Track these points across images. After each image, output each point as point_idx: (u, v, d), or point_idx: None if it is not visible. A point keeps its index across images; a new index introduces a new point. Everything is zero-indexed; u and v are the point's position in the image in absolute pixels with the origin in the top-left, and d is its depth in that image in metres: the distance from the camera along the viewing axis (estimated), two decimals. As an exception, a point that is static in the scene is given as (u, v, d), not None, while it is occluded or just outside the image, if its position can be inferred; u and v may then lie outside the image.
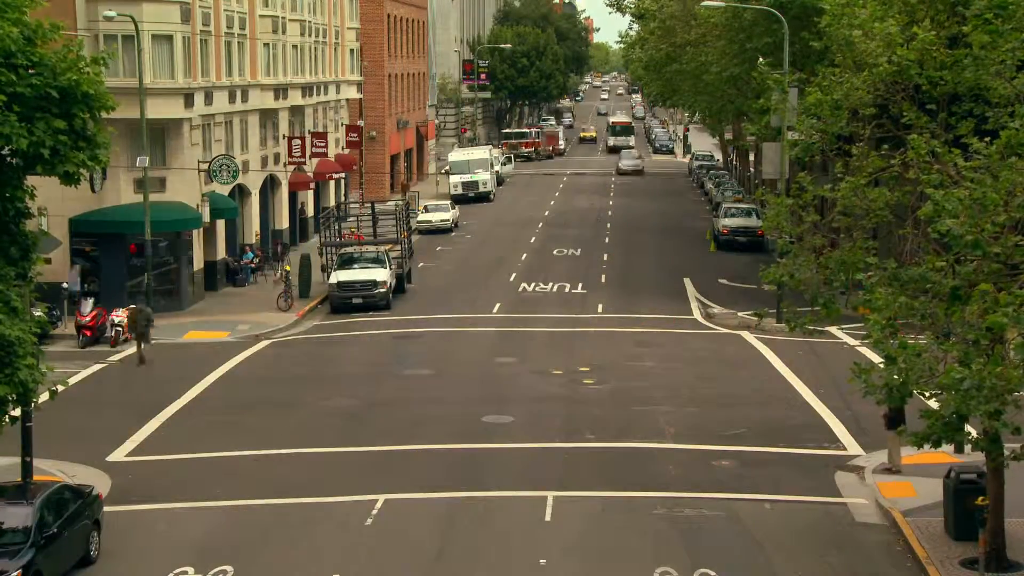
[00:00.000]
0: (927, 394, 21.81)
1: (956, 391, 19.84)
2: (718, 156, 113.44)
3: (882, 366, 21.82)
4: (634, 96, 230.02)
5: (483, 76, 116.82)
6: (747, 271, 55.68)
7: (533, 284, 56.49)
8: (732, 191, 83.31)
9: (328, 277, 52.35)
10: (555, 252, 65.88)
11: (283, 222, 64.63)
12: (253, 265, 56.63)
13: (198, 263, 51.93)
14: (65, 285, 45.61)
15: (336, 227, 57.72)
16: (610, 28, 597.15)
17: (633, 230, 74.33)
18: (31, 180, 23.64)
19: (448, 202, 79.91)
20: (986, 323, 19.86)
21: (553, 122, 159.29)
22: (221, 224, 54.41)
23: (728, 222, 67.74)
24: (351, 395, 36.81)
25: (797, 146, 28.17)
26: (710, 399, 36.03)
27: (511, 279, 57.81)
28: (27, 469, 26.60)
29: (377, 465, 30.11)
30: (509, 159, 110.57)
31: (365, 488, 27.88)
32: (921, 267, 22.70)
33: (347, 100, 78.84)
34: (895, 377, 21.25)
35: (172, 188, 49.68)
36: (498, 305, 51.34)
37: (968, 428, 21.80)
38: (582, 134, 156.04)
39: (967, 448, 24.02)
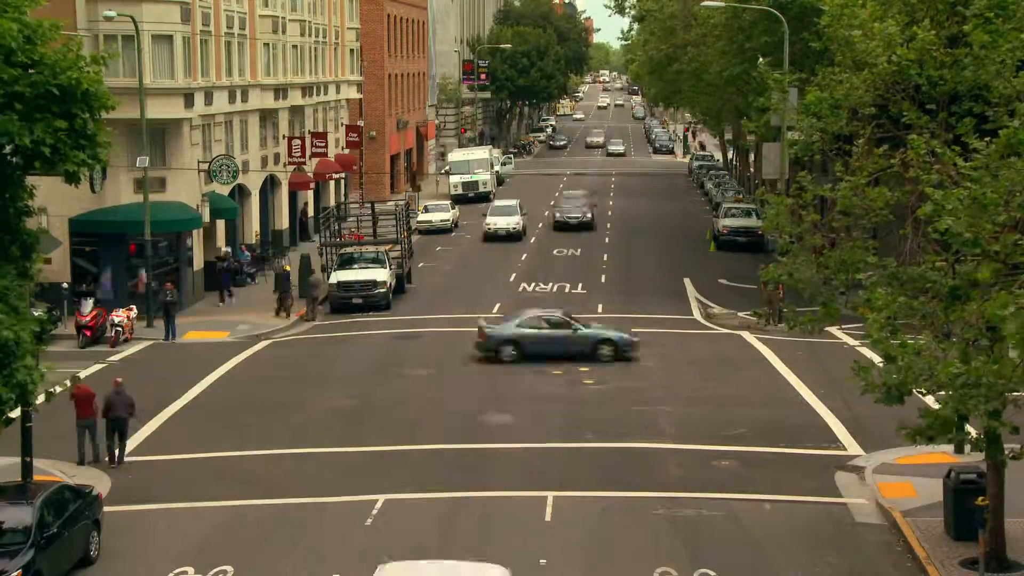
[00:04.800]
0: (925, 392, 21.79)
1: (954, 389, 19.83)
2: (718, 156, 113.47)
3: (881, 365, 21.81)
4: (634, 97, 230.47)
5: (483, 76, 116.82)
6: (747, 271, 55.65)
7: (533, 284, 56.49)
8: (732, 191, 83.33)
9: (328, 277, 52.34)
10: (555, 252, 65.88)
11: (283, 222, 64.64)
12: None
13: (198, 263, 51.91)
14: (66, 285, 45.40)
15: (337, 227, 57.69)
16: (610, 28, 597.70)
17: (633, 230, 74.35)
18: (31, 179, 23.65)
19: (448, 202, 79.94)
20: (985, 317, 19.83)
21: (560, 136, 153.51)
22: (221, 224, 54.40)
23: (728, 222, 67.75)
24: (351, 395, 36.80)
25: (796, 145, 28.16)
26: (710, 399, 36.03)
27: (511, 279, 57.80)
28: (27, 469, 26.58)
29: (377, 465, 30.11)
30: (509, 159, 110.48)
31: (365, 488, 27.88)
32: (921, 267, 22.69)
33: (347, 100, 78.85)
34: (894, 376, 21.24)
35: (172, 188, 49.68)
36: (498, 305, 51.30)
37: (968, 428, 21.80)
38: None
39: (967, 448, 24.03)
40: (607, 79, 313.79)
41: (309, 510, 26.86)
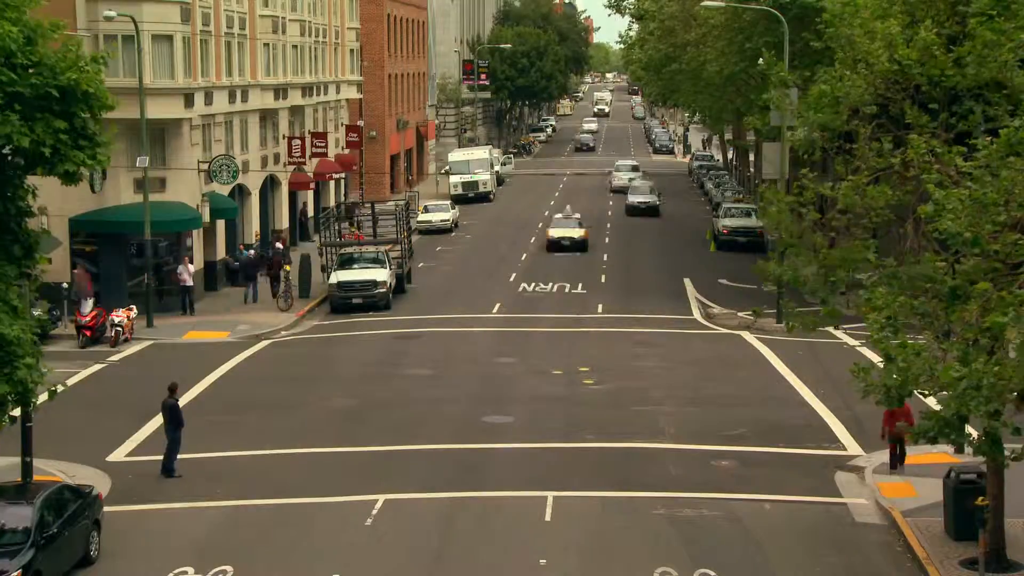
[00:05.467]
0: (926, 393, 21.79)
1: (954, 391, 19.83)
2: (718, 156, 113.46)
3: (881, 366, 21.81)
4: (634, 97, 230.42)
5: (483, 76, 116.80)
6: (747, 271, 55.54)
7: (533, 284, 56.47)
8: (732, 191, 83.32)
9: (328, 277, 52.33)
10: (555, 252, 65.84)
11: (283, 222, 64.61)
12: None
13: (198, 263, 51.90)
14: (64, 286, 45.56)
15: (338, 227, 57.65)
16: (610, 28, 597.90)
17: (633, 230, 74.34)
18: (32, 180, 23.63)
19: (448, 202, 79.95)
20: (986, 323, 19.85)
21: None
22: (221, 224, 54.38)
23: (728, 222, 67.74)
24: (351, 395, 36.80)
25: (798, 141, 28.16)
26: (710, 399, 36.02)
27: (511, 279, 57.78)
28: (27, 469, 26.58)
29: (377, 465, 30.10)
30: (509, 159, 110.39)
31: (365, 488, 27.87)
32: (921, 266, 22.69)
33: (347, 100, 78.81)
34: (894, 377, 21.23)
35: (172, 188, 49.65)
36: (498, 305, 51.32)
37: (969, 429, 21.78)
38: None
39: (967, 450, 24.01)
40: (604, 99, 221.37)
41: (309, 510, 26.85)
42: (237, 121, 57.09)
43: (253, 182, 59.18)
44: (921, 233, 23.95)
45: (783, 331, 42.99)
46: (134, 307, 45.56)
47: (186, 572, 23.40)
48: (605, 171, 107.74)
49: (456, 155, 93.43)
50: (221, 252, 54.84)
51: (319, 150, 66.02)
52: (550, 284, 56.39)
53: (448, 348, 43.65)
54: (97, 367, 40.53)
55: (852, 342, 40.11)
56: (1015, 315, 19.47)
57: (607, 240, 70.13)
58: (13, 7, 22.01)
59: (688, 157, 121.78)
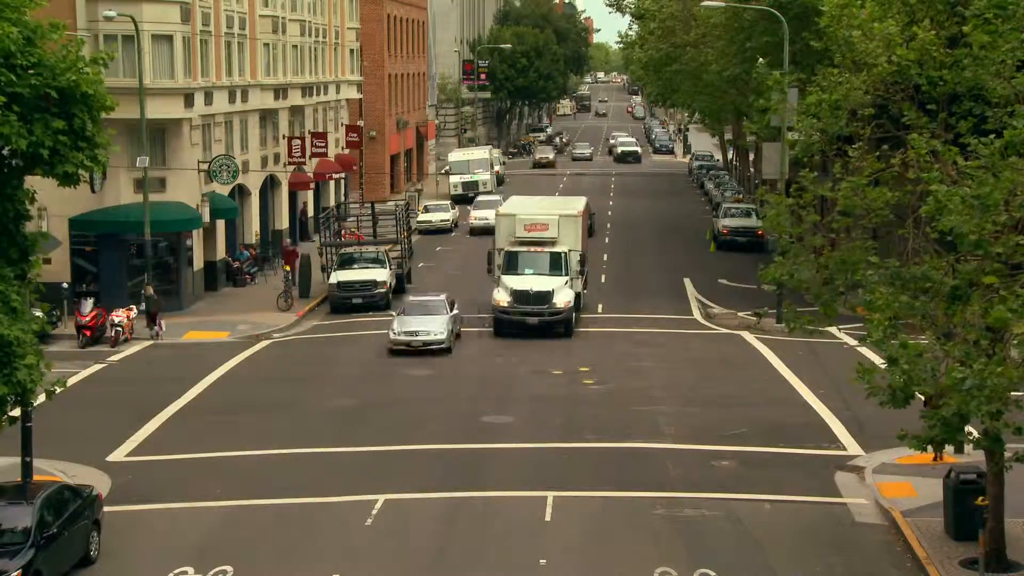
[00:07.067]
0: (929, 396, 21.77)
1: (958, 392, 19.81)
2: (718, 156, 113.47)
3: (884, 367, 21.79)
4: (634, 97, 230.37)
5: (483, 76, 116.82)
6: (747, 271, 55.60)
7: (533, 284, 56.31)
8: (732, 191, 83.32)
9: (328, 277, 52.32)
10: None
11: (283, 222, 64.60)
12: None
13: (198, 263, 51.91)
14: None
15: (336, 227, 57.61)
16: (610, 28, 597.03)
17: (633, 230, 74.33)
18: (31, 182, 23.60)
19: (448, 202, 79.96)
20: (989, 319, 19.82)
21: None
22: (221, 224, 54.38)
23: (728, 222, 67.74)
24: (351, 395, 36.80)
25: (797, 145, 28.13)
26: (710, 399, 36.02)
27: (511, 279, 57.62)
28: (27, 469, 26.57)
29: (377, 465, 30.11)
30: (503, 162, 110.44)
31: (365, 488, 27.88)
32: (922, 266, 22.68)
33: (347, 100, 78.81)
34: (898, 379, 21.21)
35: (172, 188, 49.66)
36: (498, 305, 51.20)
37: (969, 429, 21.79)
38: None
39: (968, 448, 24.01)
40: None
41: (309, 510, 26.86)
42: (237, 121, 57.09)
43: (253, 182, 59.18)
44: (921, 234, 23.93)
45: (783, 331, 43.04)
46: (134, 307, 45.58)
47: (186, 572, 23.41)
48: (606, 171, 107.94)
49: (456, 155, 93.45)
50: (221, 252, 54.86)
51: (319, 150, 66.00)
52: (550, 284, 56.22)
53: (448, 348, 43.61)
54: (97, 367, 40.54)
55: (852, 342, 40.06)
56: (1020, 310, 19.44)
57: (607, 240, 70.11)
58: (13, 7, 21.99)
59: (688, 157, 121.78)
